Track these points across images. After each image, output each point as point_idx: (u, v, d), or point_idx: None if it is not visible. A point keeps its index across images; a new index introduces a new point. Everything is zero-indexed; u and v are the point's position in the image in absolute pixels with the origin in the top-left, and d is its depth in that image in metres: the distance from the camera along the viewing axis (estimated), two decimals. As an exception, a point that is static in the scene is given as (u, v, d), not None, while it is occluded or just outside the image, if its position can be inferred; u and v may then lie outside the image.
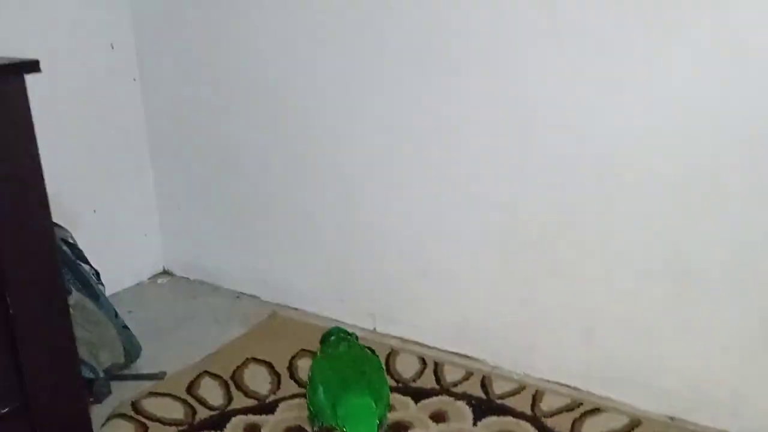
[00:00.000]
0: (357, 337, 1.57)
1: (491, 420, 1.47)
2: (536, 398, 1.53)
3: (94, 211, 1.97)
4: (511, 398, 1.54)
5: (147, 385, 1.61)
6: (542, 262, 1.55)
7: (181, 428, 1.45)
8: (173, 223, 2.16)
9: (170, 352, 1.76)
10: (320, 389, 1.30)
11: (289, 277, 1.97)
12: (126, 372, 1.65)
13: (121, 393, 1.58)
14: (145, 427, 1.45)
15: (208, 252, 2.12)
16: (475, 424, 1.46)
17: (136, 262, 2.14)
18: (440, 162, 1.63)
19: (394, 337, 1.80)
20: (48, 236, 1.32)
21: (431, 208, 1.67)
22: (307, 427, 1.44)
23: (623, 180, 1.40)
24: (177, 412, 1.50)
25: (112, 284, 2.01)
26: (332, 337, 1.53)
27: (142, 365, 1.70)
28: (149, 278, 2.17)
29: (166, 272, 2.20)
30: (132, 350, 1.66)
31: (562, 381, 1.58)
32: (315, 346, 1.72)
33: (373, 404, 1.24)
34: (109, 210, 2.01)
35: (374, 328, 1.84)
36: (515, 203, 1.55)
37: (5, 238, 1.24)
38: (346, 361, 1.37)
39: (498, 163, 1.55)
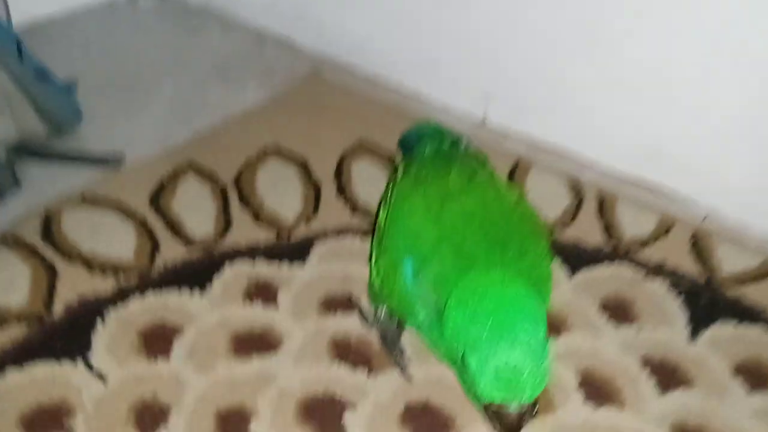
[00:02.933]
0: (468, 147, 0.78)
1: (722, 328, 0.75)
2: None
3: None
4: (753, 285, 0.80)
5: (90, 176, 0.91)
6: None
7: (124, 282, 0.76)
8: None
9: (141, 122, 1.04)
10: (408, 264, 0.58)
11: (346, 17, 1.15)
12: (51, 150, 0.94)
13: (39, 187, 0.88)
14: (53, 273, 0.76)
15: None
16: (694, 334, 0.74)
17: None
18: None
19: (521, 140, 1.03)
20: None
21: None
22: (366, 302, 0.75)
23: None
24: (123, 241, 0.81)
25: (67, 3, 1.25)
26: (429, 144, 0.74)
27: (91, 139, 0.99)
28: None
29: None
30: (62, 116, 0.93)
31: None
32: (382, 136, 0.99)
33: (537, 300, 0.51)
34: None
35: (484, 119, 1.06)
36: None
37: None
38: (467, 203, 0.62)
39: None
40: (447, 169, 0.66)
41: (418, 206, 0.61)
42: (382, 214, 0.68)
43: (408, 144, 0.79)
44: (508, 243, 0.58)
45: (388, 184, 0.71)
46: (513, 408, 0.49)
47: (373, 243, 0.68)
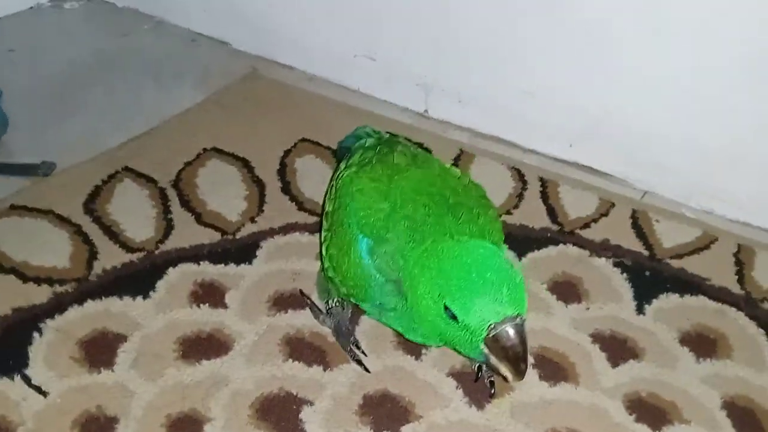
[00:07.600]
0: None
1: (667, 300, 0.77)
2: (744, 267, 0.82)
3: None
4: (693, 256, 0.83)
5: (18, 185, 0.86)
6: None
7: (60, 289, 0.73)
8: None
9: (71, 129, 0.99)
10: (363, 242, 0.58)
11: (282, 15, 1.13)
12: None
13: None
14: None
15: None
16: (640, 307, 0.76)
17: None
18: None
19: (464, 129, 1.04)
20: None
21: None
22: (317, 298, 0.74)
23: None
24: (58, 249, 0.77)
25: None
26: (367, 138, 0.74)
27: (19, 149, 0.95)
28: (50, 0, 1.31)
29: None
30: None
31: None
32: (324, 132, 0.98)
33: (489, 242, 0.56)
34: None
35: (426, 111, 1.06)
36: None
37: None
38: (414, 177, 0.61)
39: None
40: (390, 152, 0.66)
41: (366, 185, 0.61)
42: (327, 206, 0.67)
43: (347, 148, 0.78)
44: (457, 210, 0.59)
45: (331, 180, 0.70)
46: (508, 325, 0.51)
47: (321, 236, 0.67)
